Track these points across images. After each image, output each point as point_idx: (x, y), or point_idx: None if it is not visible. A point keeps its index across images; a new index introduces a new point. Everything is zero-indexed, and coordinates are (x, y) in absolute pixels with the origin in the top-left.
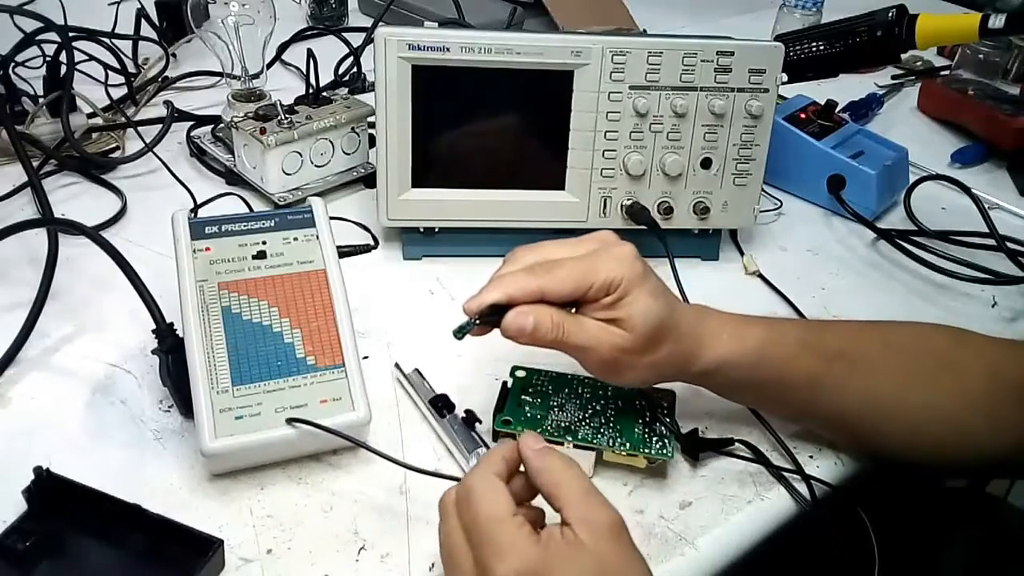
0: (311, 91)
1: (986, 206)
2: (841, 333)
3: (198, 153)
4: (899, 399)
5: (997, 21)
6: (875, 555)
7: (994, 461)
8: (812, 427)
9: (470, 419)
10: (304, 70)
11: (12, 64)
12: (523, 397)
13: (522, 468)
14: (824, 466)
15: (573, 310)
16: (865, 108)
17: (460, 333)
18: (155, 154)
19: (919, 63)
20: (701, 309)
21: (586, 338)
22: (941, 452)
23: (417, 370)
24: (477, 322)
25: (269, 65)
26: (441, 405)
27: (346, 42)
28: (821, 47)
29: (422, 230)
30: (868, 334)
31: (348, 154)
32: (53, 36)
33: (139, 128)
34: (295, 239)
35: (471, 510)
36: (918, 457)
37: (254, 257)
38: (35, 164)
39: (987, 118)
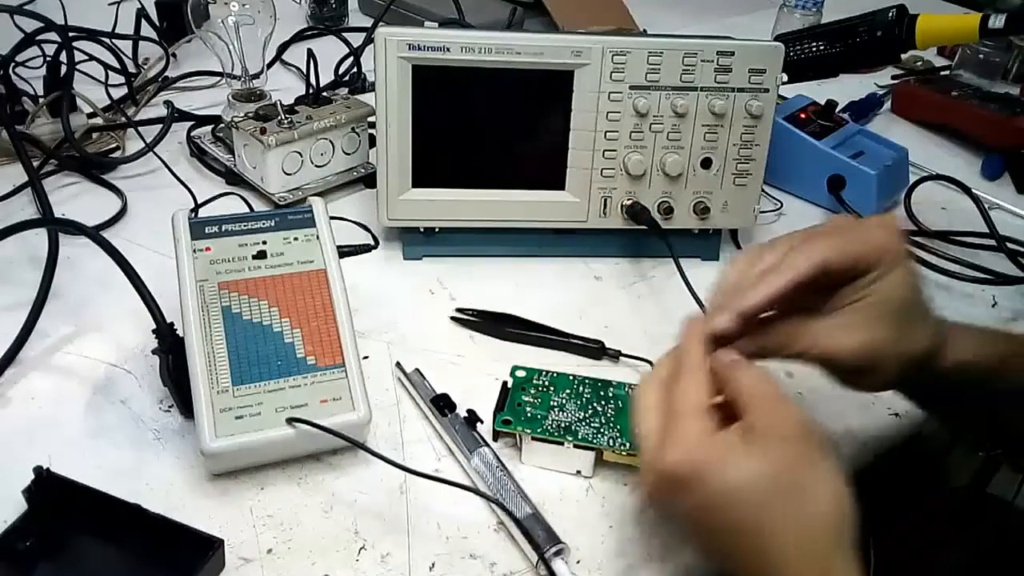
0: (311, 91)
1: (986, 206)
2: None
3: (198, 153)
4: None
5: (997, 21)
6: (871, 556)
7: None
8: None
9: (472, 419)
10: (304, 70)
11: (12, 64)
12: (523, 397)
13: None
14: None
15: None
16: (865, 108)
17: None
18: (155, 154)
19: (919, 63)
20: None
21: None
22: None
23: (418, 370)
24: None
25: (269, 65)
26: (443, 404)
27: (346, 42)
28: (821, 47)
29: (422, 230)
30: None
31: (348, 154)
32: (53, 36)
33: (139, 128)
34: (295, 239)
35: (671, 391)
36: None
37: (254, 257)
38: (35, 164)
39: (982, 118)
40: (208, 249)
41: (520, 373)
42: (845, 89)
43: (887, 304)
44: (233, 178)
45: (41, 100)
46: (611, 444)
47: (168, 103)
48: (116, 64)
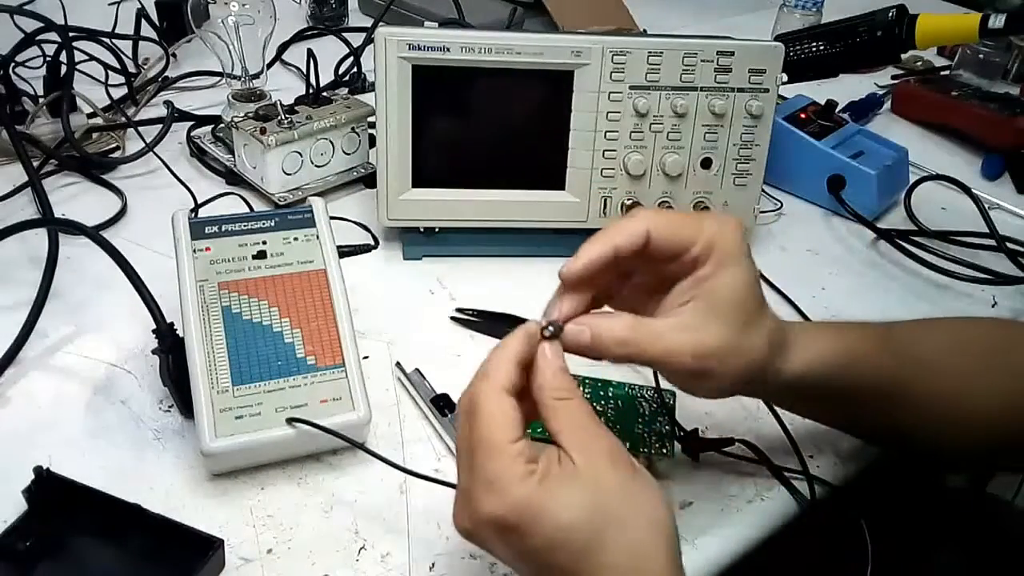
0: (311, 91)
1: (986, 206)
2: (910, 334)
3: (198, 153)
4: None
5: (997, 21)
6: (869, 555)
7: None
8: (879, 440)
9: None
10: (304, 70)
11: (12, 64)
12: None
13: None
14: (824, 465)
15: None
16: (865, 108)
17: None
18: (155, 154)
19: (919, 63)
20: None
21: (669, 330)
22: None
23: (418, 370)
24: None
25: (269, 65)
26: (443, 404)
27: (346, 42)
28: (821, 47)
29: (422, 230)
30: (931, 332)
31: (348, 154)
32: (53, 36)
33: (139, 128)
34: (295, 239)
35: (471, 427)
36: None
37: (254, 257)
38: (35, 164)
39: (982, 118)
40: (208, 249)
41: None
42: (845, 89)
43: (720, 304)
44: (233, 178)
45: (41, 100)
46: None
47: (168, 103)
48: (116, 64)
